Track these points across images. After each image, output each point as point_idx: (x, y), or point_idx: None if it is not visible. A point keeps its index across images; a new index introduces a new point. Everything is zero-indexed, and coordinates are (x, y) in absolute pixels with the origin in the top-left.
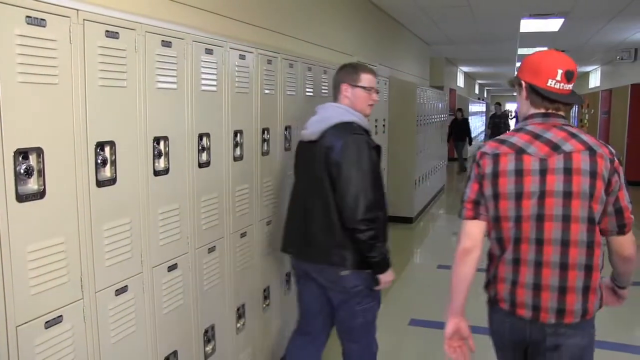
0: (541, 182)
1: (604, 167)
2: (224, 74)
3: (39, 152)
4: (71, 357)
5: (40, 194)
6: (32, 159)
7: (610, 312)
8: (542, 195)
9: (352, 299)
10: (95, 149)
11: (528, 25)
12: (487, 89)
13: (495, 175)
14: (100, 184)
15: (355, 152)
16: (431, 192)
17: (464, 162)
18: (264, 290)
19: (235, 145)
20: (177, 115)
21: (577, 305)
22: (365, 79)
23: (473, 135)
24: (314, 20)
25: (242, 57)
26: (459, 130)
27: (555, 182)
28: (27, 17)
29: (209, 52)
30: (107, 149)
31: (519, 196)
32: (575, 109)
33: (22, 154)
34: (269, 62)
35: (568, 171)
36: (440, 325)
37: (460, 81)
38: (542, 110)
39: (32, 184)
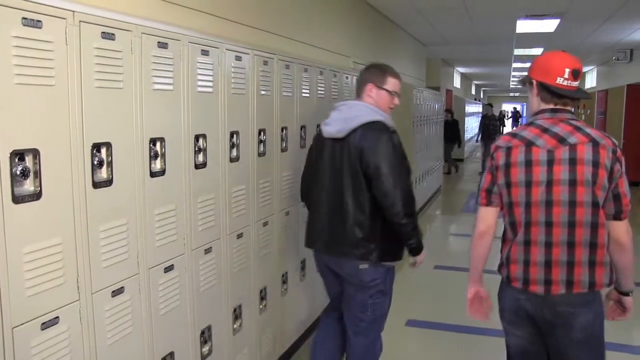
0: (549, 172)
1: (607, 157)
2: (220, 75)
3: (35, 153)
4: (67, 359)
5: (36, 195)
6: (29, 160)
7: None
8: (549, 183)
9: (366, 292)
10: (92, 150)
11: (524, 26)
12: (483, 90)
13: (508, 165)
14: (96, 185)
15: (392, 152)
16: (427, 193)
17: (453, 164)
18: (261, 291)
19: (232, 146)
20: (173, 117)
21: (584, 277)
22: (392, 82)
23: (469, 136)
24: (310, 21)
25: (238, 58)
26: (448, 132)
27: (562, 172)
28: (23, 18)
29: (205, 53)
30: (103, 150)
31: (528, 184)
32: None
33: (18, 155)
34: (265, 63)
35: (573, 161)
36: (438, 326)
37: (457, 82)
38: (552, 106)
39: (28, 185)
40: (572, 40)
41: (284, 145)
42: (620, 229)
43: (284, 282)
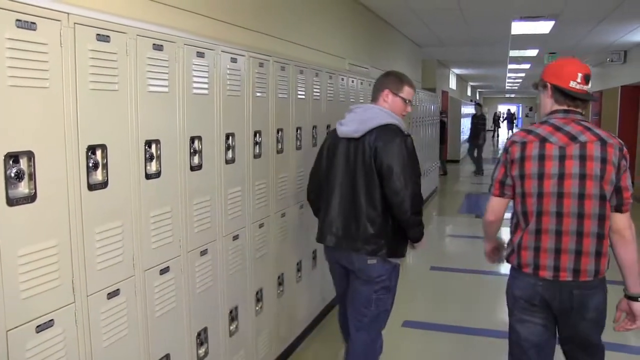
0: (560, 166)
1: (614, 155)
2: (216, 77)
3: (29, 155)
4: None
5: (31, 198)
6: (23, 163)
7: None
8: (561, 176)
9: (371, 287)
10: (87, 153)
11: (519, 28)
12: (479, 91)
13: (522, 159)
14: (91, 187)
15: (405, 153)
16: (424, 194)
17: (444, 165)
18: (257, 293)
19: (227, 148)
20: (168, 119)
21: (590, 267)
22: (407, 91)
23: (466, 137)
24: (306, 23)
25: (233, 60)
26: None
27: (573, 166)
28: (17, 20)
29: (200, 55)
30: (98, 153)
31: (541, 176)
32: None
33: (13, 157)
34: (261, 65)
35: (583, 158)
36: (434, 327)
37: (453, 83)
38: (564, 107)
39: (23, 188)
40: (566, 41)
41: (280, 147)
42: (622, 221)
43: (280, 283)
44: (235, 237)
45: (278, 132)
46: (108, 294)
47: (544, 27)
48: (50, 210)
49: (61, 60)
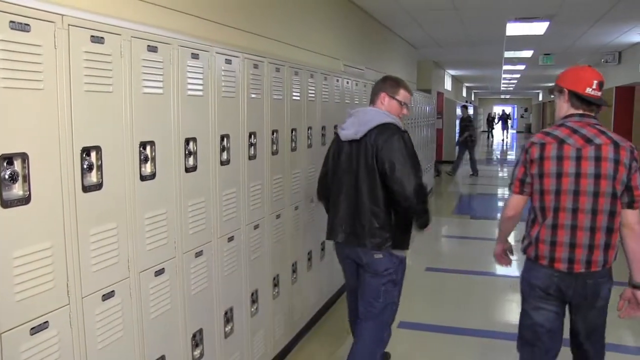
0: (577, 166)
1: (626, 157)
2: (210, 79)
3: (23, 157)
4: None
5: (25, 200)
6: (17, 165)
7: None
8: (577, 176)
9: (379, 279)
10: (81, 154)
11: (514, 29)
12: (474, 92)
13: (542, 159)
14: (86, 189)
15: (404, 147)
16: None
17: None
18: (252, 295)
19: (222, 149)
20: (163, 120)
21: (600, 258)
22: (403, 94)
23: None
24: (301, 24)
25: (228, 61)
26: None
27: (588, 167)
28: (11, 22)
29: (195, 56)
30: (93, 154)
31: (559, 175)
32: None
33: (7, 159)
34: (256, 66)
35: (598, 159)
36: (430, 328)
37: (448, 84)
38: (580, 111)
39: (17, 190)
40: (561, 42)
41: (275, 148)
42: (633, 216)
43: (276, 285)
44: (231, 239)
45: (273, 134)
46: (103, 295)
47: (538, 28)
48: (45, 212)
49: (55, 62)
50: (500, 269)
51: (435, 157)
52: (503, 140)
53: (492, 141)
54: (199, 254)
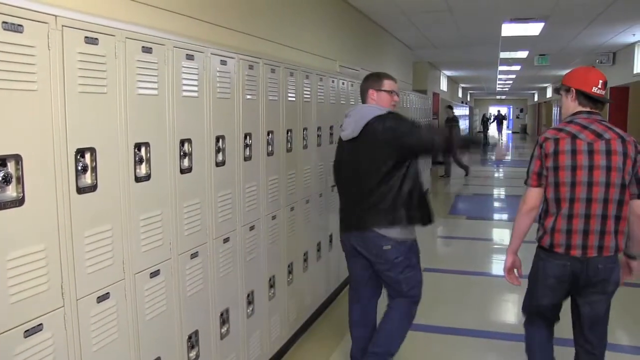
0: (590, 159)
1: (632, 150)
2: (205, 80)
3: (17, 159)
4: None
5: (19, 202)
6: (11, 166)
7: None
8: (591, 168)
9: (394, 269)
10: (76, 156)
11: (509, 30)
12: (470, 93)
13: (557, 153)
14: (80, 190)
15: (398, 119)
16: None
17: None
18: (248, 296)
19: (217, 150)
20: (158, 121)
21: (612, 243)
22: (387, 84)
23: None
24: (296, 25)
25: (223, 62)
26: None
27: (600, 160)
28: (4, 22)
29: (189, 57)
30: (87, 156)
31: (574, 168)
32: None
33: (0, 161)
34: (251, 67)
35: (608, 152)
36: (426, 328)
37: (444, 85)
38: (587, 109)
39: (11, 192)
40: (556, 43)
41: (270, 149)
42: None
43: (272, 286)
44: (226, 240)
45: (268, 135)
46: (98, 297)
47: (533, 29)
48: (39, 214)
49: (49, 63)
50: (496, 270)
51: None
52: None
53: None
54: (194, 256)
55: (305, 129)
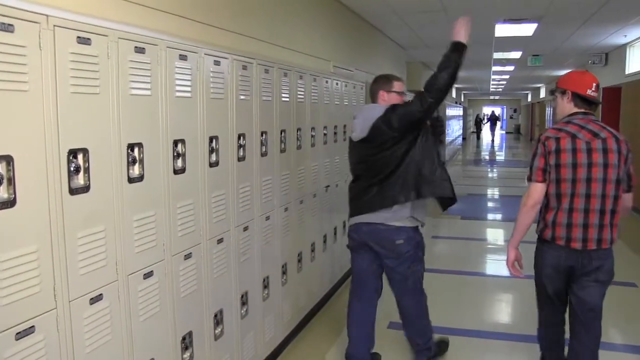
0: (588, 157)
1: (624, 148)
2: (199, 80)
3: (8, 160)
4: None
5: (10, 203)
6: (2, 167)
7: None
8: (590, 165)
9: (403, 263)
10: (68, 157)
11: (503, 30)
12: (464, 93)
13: (558, 151)
14: (73, 191)
15: (398, 106)
16: None
17: None
18: (242, 296)
19: (211, 151)
20: (151, 122)
21: (608, 236)
22: (397, 85)
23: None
24: (290, 25)
25: (217, 63)
26: None
27: (598, 157)
28: None
29: (183, 58)
30: (80, 156)
31: (574, 165)
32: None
33: None
34: (244, 67)
35: (605, 150)
36: None
37: None
38: (583, 110)
39: (2, 193)
40: (550, 44)
41: (264, 149)
42: (629, 197)
43: (266, 287)
44: (220, 241)
45: (262, 135)
46: (91, 299)
47: (527, 29)
48: (31, 215)
49: (41, 63)
50: (490, 270)
51: None
52: (492, 140)
53: (482, 142)
54: (188, 256)
55: (299, 129)
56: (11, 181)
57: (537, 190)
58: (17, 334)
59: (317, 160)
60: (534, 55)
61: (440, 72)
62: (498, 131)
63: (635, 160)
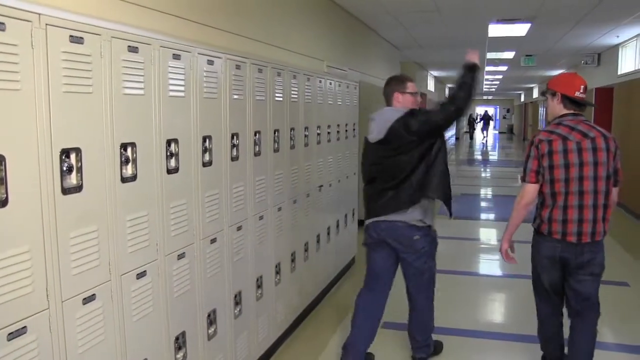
0: (579, 157)
1: (612, 146)
2: (192, 80)
3: (0, 159)
4: None
5: (2, 203)
6: None
7: None
8: (581, 164)
9: (420, 258)
10: (60, 156)
11: (496, 30)
12: None
13: (551, 153)
14: (65, 191)
15: (416, 112)
16: None
17: None
18: (235, 296)
19: (204, 150)
20: (144, 122)
21: (601, 229)
22: (411, 86)
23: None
24: (284, 25)
25: (210, 62)
26: None
27: (588, 156)
28: None
29: (176, 57)
30: (72, 156)
31: (566, 166)
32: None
33: None
34: (238, 67)
35: (594, 150)
36: None
37: (431, 85)
38: (572, 111)
39: None
40: (543, 44)
41: (257, 149)
42: (615, 192)
43: (259, 286)
44: (213, 240)
45: (255, 135)
46: (83, 299)
47: (520, 29)
48: (23, 215)
49: (33, 62)
50: (483, 269)
51: None
52: (485, 140)
53: (474, 142)
54: (181, 256)
55: (292, 129)
56: (3, 181)
57: (530, 191)
58: (9, 334)
59: (311, 160)
60: (527, 56)
61: (460, 87)
62: (491, 131)
63: (628, 159)
